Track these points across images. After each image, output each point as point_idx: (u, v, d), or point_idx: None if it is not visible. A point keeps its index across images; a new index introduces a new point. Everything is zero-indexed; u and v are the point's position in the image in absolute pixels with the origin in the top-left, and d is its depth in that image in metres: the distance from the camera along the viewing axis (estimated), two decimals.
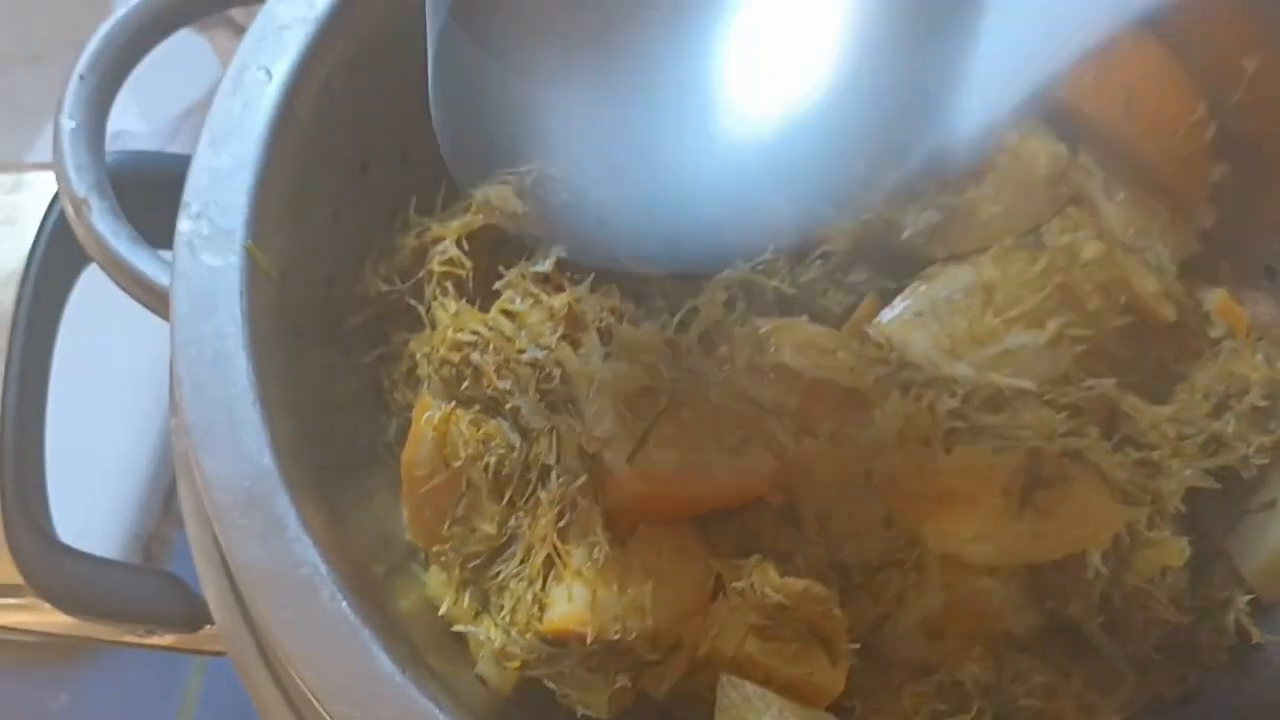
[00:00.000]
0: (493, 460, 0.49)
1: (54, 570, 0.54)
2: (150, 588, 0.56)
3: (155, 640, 0.60)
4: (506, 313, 0.52)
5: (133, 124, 0.87)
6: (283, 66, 0.50)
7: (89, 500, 0.82)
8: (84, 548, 0.56)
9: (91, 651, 0.82)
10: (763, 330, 0.51)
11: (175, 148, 0.88)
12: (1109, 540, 0.49)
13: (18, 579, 0.54)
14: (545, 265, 0.52)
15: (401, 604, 0.49)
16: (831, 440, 0.50)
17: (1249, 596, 0.52)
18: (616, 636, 0.45)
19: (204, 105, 0.92)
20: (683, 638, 0.46)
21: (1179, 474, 0.51)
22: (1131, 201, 0.55)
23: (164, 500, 0.85)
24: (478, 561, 0.48)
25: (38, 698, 0.81)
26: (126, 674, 0.82)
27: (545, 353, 0.49)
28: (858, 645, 0.47)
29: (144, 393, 0.85)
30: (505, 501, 0.49)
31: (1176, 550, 0.51)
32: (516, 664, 0.46)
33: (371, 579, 0.47)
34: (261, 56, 0.50)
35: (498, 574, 0.48)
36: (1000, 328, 0.52)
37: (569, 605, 0.46)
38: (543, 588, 0.47)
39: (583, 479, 0.48)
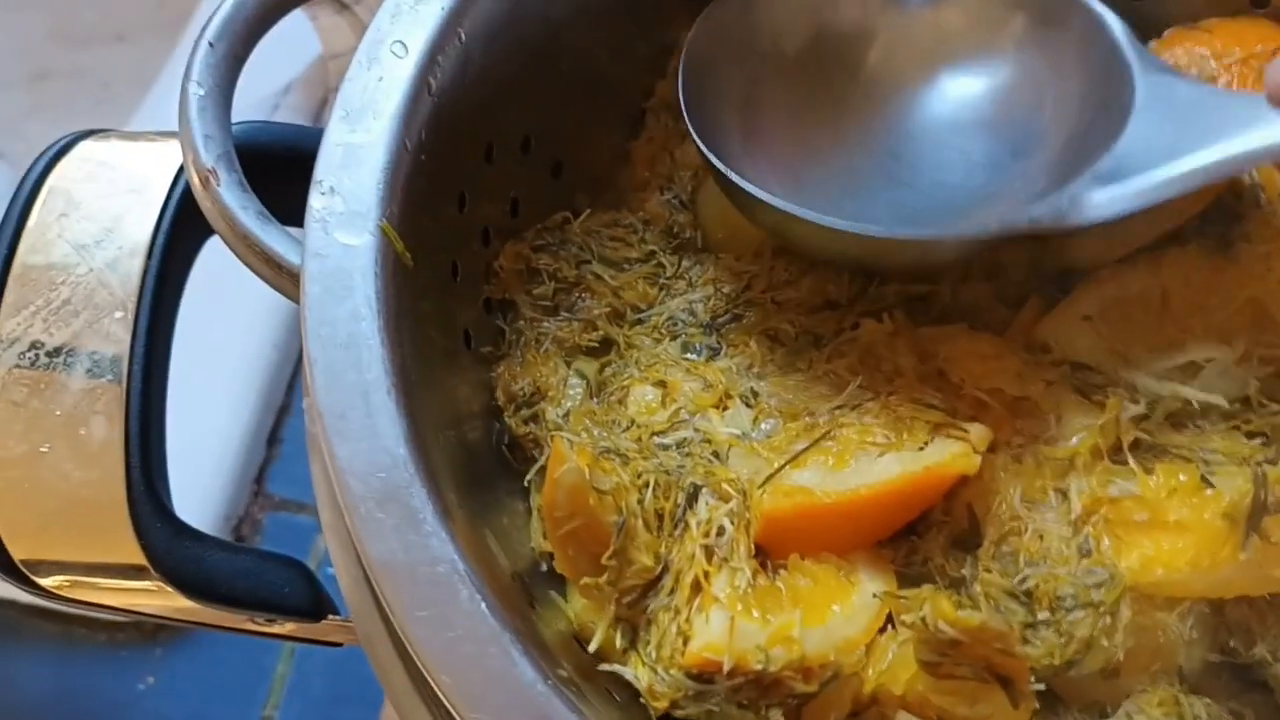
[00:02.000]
0: (648, 491, 0.47)
1: (180, 554, 0.53)
2: (276, 575, 0.55)
3: (275, 629, 0.58)
4: (660, 382, 0.51)
5: None
6: (418, 41, 0.48)
7: (181, 481, 0.81)
8: None
9: (178, 633, 0.81)
10: (926, 340, 0.50)
11: None
12: None
13: (141, 560, 0.52)
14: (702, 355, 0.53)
15: (539, 617, 0.47)
16: (1017, 455, 0.47)
17: None
18: (759, 667, 0.42)
19: (303, 81, 0.91)
20: (842, 669, 0.44)
21: None
22: None
23: (254, 482, 0.84)
24: (633, 596, 0.46)
25: (125, 679, 0.80)
26: (214, 658, 0.81)
27: (687, 434, 0.49)
28: (1042, 686, 0.44)
29: (238, 374, 0.84)
30: (660, 530, 0.47)
31: None
32: (664, 703, 0.44)
33: (509, 587, 0.45)
34: (397, 30, 0.48)
35: (647, 607, 0.46)
36: (1180, 338, 0.49)
37: (707, 633, 0.43)
38: (687, 619, 0.44)
39: (732, 503, 0.46)
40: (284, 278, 0.46)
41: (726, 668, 0.42)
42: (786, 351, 0.52)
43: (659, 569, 0.46)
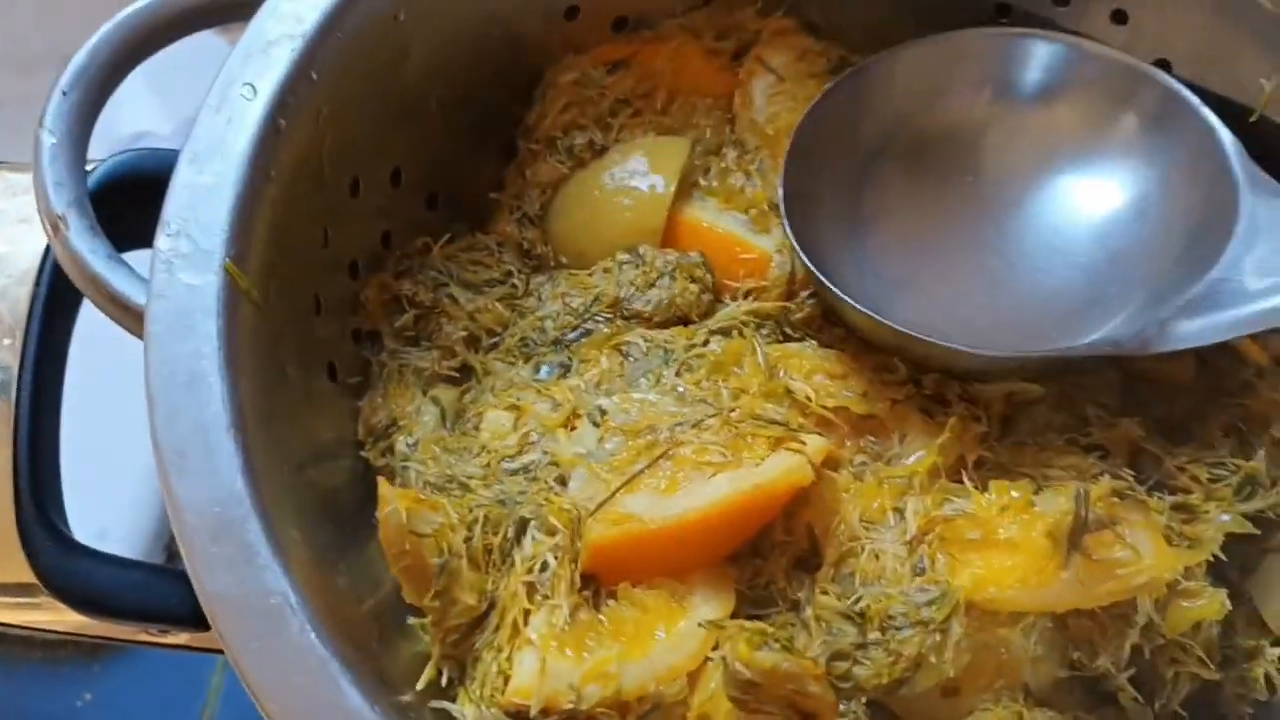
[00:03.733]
0: (477, 527, 0.47)
1: (68, 570, 0.54)
2: (163, 587, 0.56)
3: (170, 639, 0.59)
4: (513, 406, 0.52)
5: (156, 125, 0.87)
6: (268, 84, 0.49)
7: (111, 499, 0.83)
8: (105, 547, 0.56)
9: (116, 650, 0.83)
10: (773, 357, 0.51)
11: None
12: (1163, 587, 0.46)
13: (30, 578, 0.54)
14: (550, 375, 0.54)
15: (390, 649, 0.48)
16: (858, 474, 0.48)
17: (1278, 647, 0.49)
18: (570, 706, 0.43)
19: None
20: (663, 699, 0.45)
21: (1215, 520, 0.49)
22: None
23: None
24: (458, 635, 0.47)
25: (63, 695, 0.82)
26: (150, 672, 0.83)
27: (534, 458, 0.50)
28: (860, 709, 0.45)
29: None
30: (488, 567, 0.48)
31: (1216, 604, 0.47)
32: None
33: (355, 618, 0.46)
34: (248, 73, 0.49)
35: (474, 644, 0.47)
36: None
37: (519, 675, 0.44)
38: (508, 658, 0.45)
39: (557, 537, 0.47)
40: (131, 318, 0.47)
41: (534, 710, 0.43)
42: (635, 365, 0.53)
43: (484, 607, 0.47)
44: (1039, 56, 0.56)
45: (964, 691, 0.47)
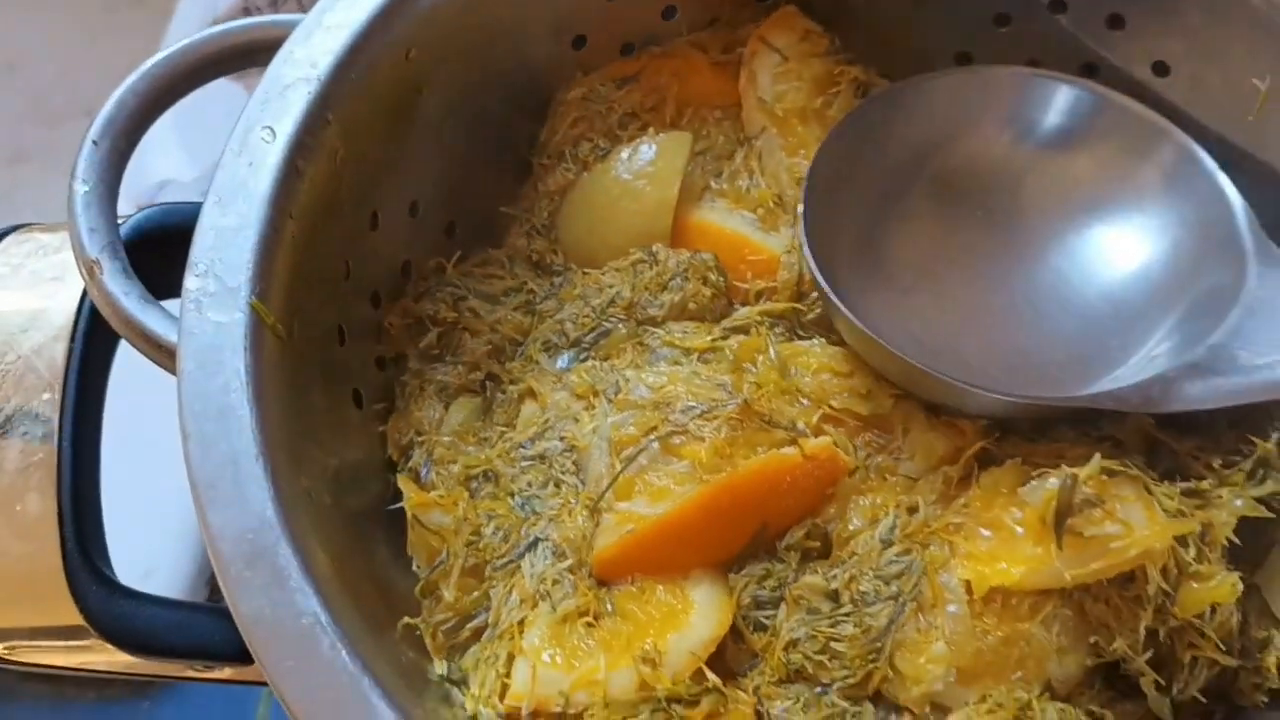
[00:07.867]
0: (486, 530, 0.50)
1: (114, 612, 0.56)
2: (206, 625, 0.58)
3: (214, 674, 0.61)
4: (533, 392, 0.55)
5: (178, 172, 0.90)
6: (286, 126, 0.51)
7: (155, 540, 0.84)
8: (151, 585, 0.58)
9: (166, 686, 0.84)
10: (784, 354, 0.53)
11: None
12: (1165, 554, 0.47)
13: (79, 621, 0.56)
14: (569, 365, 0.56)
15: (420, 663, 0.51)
16: (864, 471, 0.50)
17: None
18: (559, 709, 0.46)
19: None
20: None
21: (1229, 504, 0.49)
22: None
23: None
24: (448, 626, 0.50)
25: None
26: (198, 706, 0.85)
27: (551, 444, 0.53)
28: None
29: None
30: (484, 573, 0.50)
31: (1228, 586, 0.47)
32: None
33: (379, 625, 0.48)
34: (266, 116, 0.51)
35: (470, 648, 0.50)
36: None
37: (515, 683, 0.47)
38: (505, 663, 0.48)
39: (568, 561, 0.50)
40: (164, 355, 0.49)
41: (525, 712, 0.46)
42: (656, 355, 0.55)
43: (472, 609, 0.50)
44: (1064, 101, 0.57)
45: (982, 681, 0.48)
